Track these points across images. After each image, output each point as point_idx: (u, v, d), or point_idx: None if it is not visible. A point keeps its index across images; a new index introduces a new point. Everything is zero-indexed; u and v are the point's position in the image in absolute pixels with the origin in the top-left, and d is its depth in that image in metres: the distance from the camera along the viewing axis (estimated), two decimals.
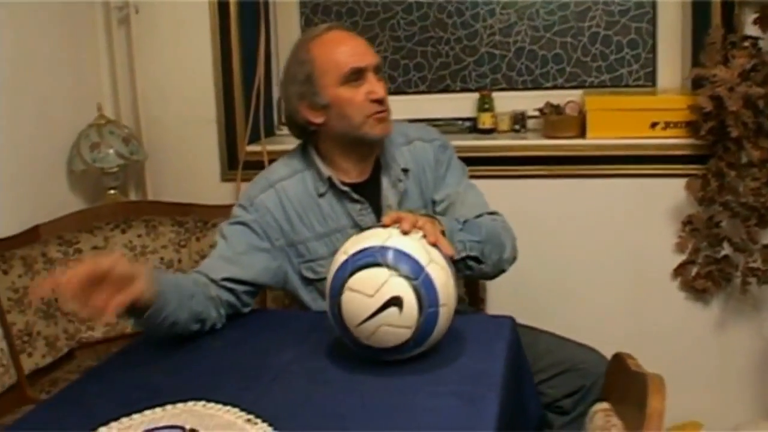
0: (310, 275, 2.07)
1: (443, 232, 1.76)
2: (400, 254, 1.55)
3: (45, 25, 2.89)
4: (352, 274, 1.55)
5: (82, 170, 2.95)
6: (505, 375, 1.57)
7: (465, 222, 1.93)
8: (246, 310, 2.00)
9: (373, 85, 1.99)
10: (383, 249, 1.56)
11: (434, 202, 2.13)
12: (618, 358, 1.66)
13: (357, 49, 2.01)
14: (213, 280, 1.92)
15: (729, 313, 2.82)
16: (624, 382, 1.57)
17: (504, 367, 1.59)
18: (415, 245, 1.58)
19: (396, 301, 1.51)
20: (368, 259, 1.55)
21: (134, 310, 1.64)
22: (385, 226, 1.65)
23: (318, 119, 2.03)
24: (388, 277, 1.52)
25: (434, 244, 1.62)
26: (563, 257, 2.90)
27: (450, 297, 1.58)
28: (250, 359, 1.70)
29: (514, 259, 2.06)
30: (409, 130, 2.20)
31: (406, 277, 1.53)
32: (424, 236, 1.62)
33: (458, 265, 1.84)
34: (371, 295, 1.51)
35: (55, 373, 2.62)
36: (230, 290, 1.94)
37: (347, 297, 1.54)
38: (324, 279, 1.68)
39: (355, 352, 1.61)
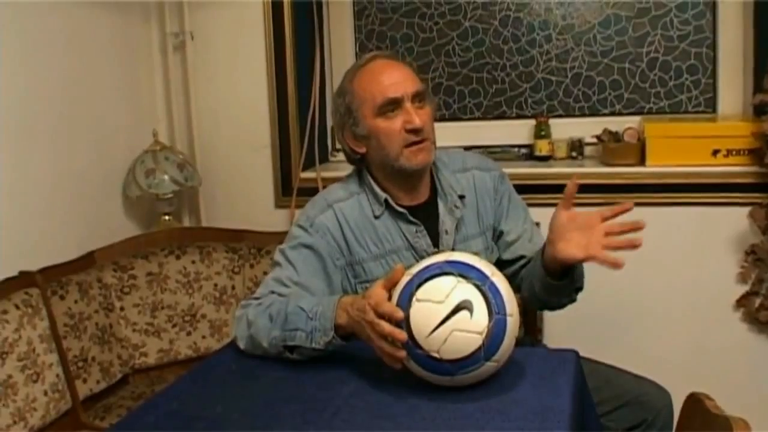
0: None
1: None
2: (465, 265, 1.59)
3: (102, 51, 2.93)
4: (419, 286, 1.56)
5: (137, 196, 2.98)
6: (572, 411, 1.53)
7: None
8: None
9: (410, 114, 1.95)
10: (447, 263, 1.60)
11: (500, 233, 2.12)
12: (694, 398, 1.60)
13: (393, 79, 1.97)
14: None
15: None
16: (701, 425, 1.51)
17: (571, 402, 1.55)
18: (476, 259, 1.63)
19: (466, 305, 1.52)
20: (434, 271, 1.58)
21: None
22: None
23: (360, 149, 2.04)
24: (456, 283, 1.54)
25: None
26: (621, 287, 2.82)
27: (515, 310, 1.59)
28: (310, 392, 1.66)
29: None
30: (466, 158, 2.19)
31: (474, 283, 1.55)
32: None
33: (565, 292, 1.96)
34: (441, 301, 1.52)
35: (109, 399, 2.62)
36: None
37: (416, 308, 1.55)
38: None
39: (420, 379, 1.58)
